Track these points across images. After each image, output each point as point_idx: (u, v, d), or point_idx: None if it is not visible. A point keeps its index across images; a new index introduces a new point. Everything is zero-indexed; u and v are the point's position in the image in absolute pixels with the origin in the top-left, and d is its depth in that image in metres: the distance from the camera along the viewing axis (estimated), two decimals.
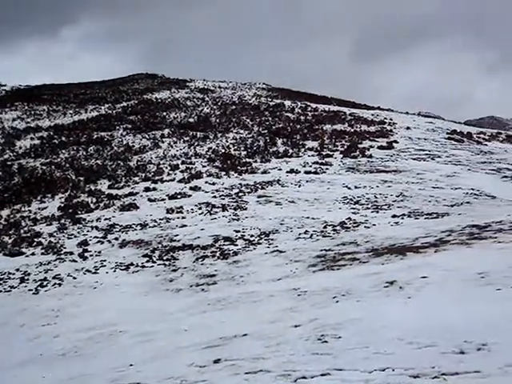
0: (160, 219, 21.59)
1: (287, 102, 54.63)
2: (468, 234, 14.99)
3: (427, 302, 8.24)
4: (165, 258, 16.93)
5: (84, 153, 35.91)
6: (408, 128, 49.27)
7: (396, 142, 41.89)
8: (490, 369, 4.66)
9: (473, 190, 27.01)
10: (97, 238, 19.40)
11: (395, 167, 32.69)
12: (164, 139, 39.33)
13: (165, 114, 47.28)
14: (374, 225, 18.50)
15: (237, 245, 17.43)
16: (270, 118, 47.26)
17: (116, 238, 19.17)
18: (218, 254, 16.63)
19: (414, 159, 36.36)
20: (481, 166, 35.73)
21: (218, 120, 45.91)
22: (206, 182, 28.00)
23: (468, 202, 22.91)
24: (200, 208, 22.97)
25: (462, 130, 53.72)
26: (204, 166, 32.27)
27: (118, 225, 21.01)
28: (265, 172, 30.69)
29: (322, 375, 5.37)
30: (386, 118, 52.62)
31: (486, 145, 47.90)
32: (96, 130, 41.38)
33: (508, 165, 36.92)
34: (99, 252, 17.79)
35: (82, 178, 29.35)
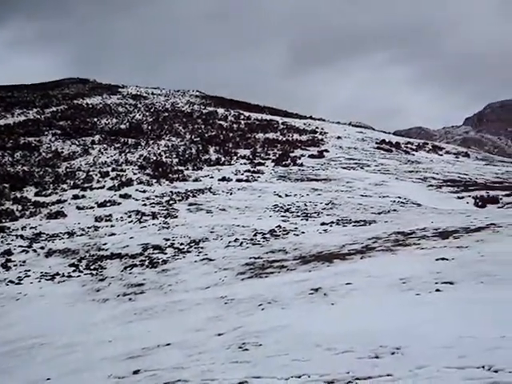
0: (88, 227, 21.13)
1: (220, 110, 54.74)
2: (393, 241, 15.41)
3: (350, 308, 8.39)
4: (92, 267, 16.55)
5: (10, 158, 34.70)
6: (339, 137, 50.30)
7: (327, 151, 42.68)
8: (401, 372, 4.79)
9: (400, 198, 27.81)
10: (21, 247, 18.74)
11: (325, 176, 33.26)
12: (94, 146, 38.58)
13: (96, 119, 46.40)
14: (303, 232, 18.73)
15: (166, 253, 17.25)
16: (203, 126, 47.22)
17: (42, 247, 18.59)
18: (146, 263, 16.40)
19: (344, 168, 37.14)
20: (408, 175, 36.84)
21: (150, 127, 45.45)
22: (137, 190, 27.63)
23: (395, 210, 23.58)
24: (130, 216, 22.63)
25: (391, 139, 55.30)
26: (135, 174, 31.85)
27: (44, 233, 20.40)
28: (196, 180, 30.59)
29: (240, 383, 5.38)
30: (317, 128, 53.52)
31: (413, 154, 49.47)
32: (23, 135, 40.06)
33: (433, 174, 38.21)
34: (24, 262, 17.19)
35: (6, 185, 28.32)
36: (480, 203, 28.12)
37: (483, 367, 4.59)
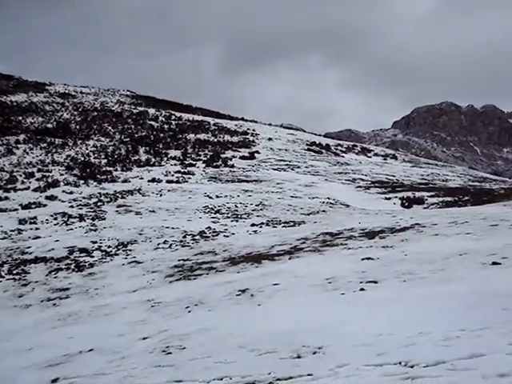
0: (11, 230, 20.36)
1: (151, 110, 54.07)
2: (321, 242, 15.63)
3: (275, 308, 8.43)
4: (15, 272, 15.92)
5: None
6: (270, 139, 50.69)
7: (258, 152, 42.92)
8: (321, 371, 4.83)
9: (329, 199, 28.28)
10: None
11: (256, 177, 33.44)
12: (19, 145, 37.23)
13: (21, 118, 44.76)
14: (233, 234, 18.74)
15: (93, 256, 16.85)
16: (133, 126, 46.50)
17: None
18: (72, 267, 15.95)
19: (275, 169, 37.45)
20: (337, 177, 37.53)
21: (78, 126, 44.33)
22: (64, 191, 26.88)
23: (324, 211, 23.95)
24: (56, 218, 21.98)
25: (322, 141, 56.23)
26: (62, 175, 30.97)
27: None
28: (125, 181, 30.08)
29: None
30: (249, 129, 53.74)
31: (342, 156, 50.47)
32: None
33: (362, 175, 39.09)
34: None
35: None
36: (406, 204, 28.98)
37: (400, 363, 4.68)
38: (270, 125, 65.37)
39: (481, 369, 4.17)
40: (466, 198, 29.98)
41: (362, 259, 11.89)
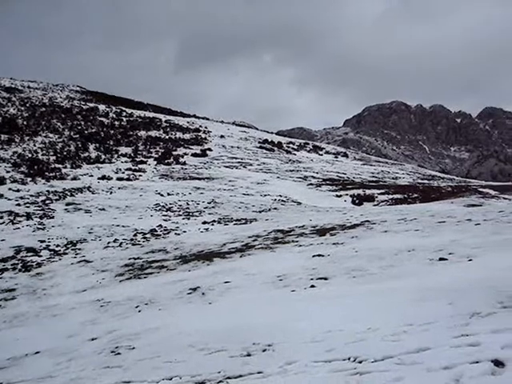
0: None
1: (102, 107, 53.20)
2: (273, 239, 15.68)
3: (226, 306, 8.39)
4: None
5: None
6: (222, 136, 50.59)
7: (210, 149, 42.80)
8: (271, 368, 4.82)
9: (280, 196, 28.45)
10: None
11: (208, 174, 33.36)
12: None
13: None
14: (185, 231, 18.62)
15: (41, 256, 16.43)
16: (83, 122, 45.64)
17: None
18: (19, 267, 15.49)
19: (227, 167, 37.44)
20: (289, 174, 37.80)
21: (25, 122, 43.19)
22: (10, 189, 26.12)
23: (275, 208, 24.05)
24: (1, 217, 21.33)
25: (274, 139, 56.48)
26: (8, 172, 30.11)
27: None
28: (75, 178, 29.51)
29: None
30: (201, 126, 53.53)
31: (294, 154, 50.82)
32: None
33: (313, 173, 39.47)
34: None
35: None
36: (357, 201, 29.41)
37: (349, 359, 4.72)
38: (222, 122, 65.31)
39: (427, 362, 4.24)
40: (415, 195, 30.62)
41: (313, 256, 11.98)
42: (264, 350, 5.41)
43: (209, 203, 24.44)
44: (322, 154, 53.35)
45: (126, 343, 6.75)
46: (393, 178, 40.72)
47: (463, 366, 4.03)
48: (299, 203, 26.96)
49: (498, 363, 4.02)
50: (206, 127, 53.40)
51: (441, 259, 9.74)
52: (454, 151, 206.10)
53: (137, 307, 9.62)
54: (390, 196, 30.47)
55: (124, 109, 54.24)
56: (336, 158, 52.44)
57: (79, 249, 17.02)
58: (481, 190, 32.61)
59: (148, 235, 18.23)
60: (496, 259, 8.65)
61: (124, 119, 49.54)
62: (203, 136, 48.60)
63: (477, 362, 4.08)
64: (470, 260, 9.24)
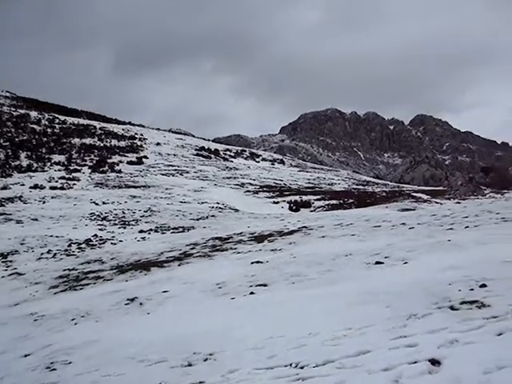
0: None
1: (33, 113, 51.66)
2: (211, 247, 15.60)
3: (165, 316, 8.27)
4: None
5: None
6: (158, 144, 50.08)
7: (146, 157, 42.28)
8: (213, 378, 4.76)
9: (218, 203, 28.36)
10: None
11: (144, 182, 32.90)
12: None
13: None
14: (121, 241, 18.27)
15: None
16: (13, 130, 44.18)
17: None
18: None
19: (163, 174, 37.05)
20: (226, 181, 37.76)
21: None
22: None
23: (213, 216, 23.96)
24: None
25: (211, 146, 56.39)
26: None
27: None
28: (5, 188, 28.49)
29: None
30: (136, 134, 52.82)
31: (231, 161, 50.86)
32: None
33: (250, 180, 39.60)
34: None
35: None
36: (294, 207, 29.68)
37: (291, 365, 4.72)
38: (158, 129, 64.69)
39: (367, 365, 4.30)
40: (351, 200, 31.19)
41: (252, 263, 11.98)
42: (205, 360, 5.34)
43: (145, 212, 24.11)
44: (258, 161, 53.65)
45: (62, 358, 6.53)
46: (329, 184, 41.36)
47: (402, 367, 4.10)
48: (237, 210, 26.97)
49: (434, 362, 4.12)
50: (141, 134, 52.74)
51: (377, 263, 9.92)
52: (388, 157, 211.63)
53: (73, 320, 9.34)
54: (327, 202, 30.92)
55: (57, 116, 52.85)
56: (273, 164, 52.84)
57: (10, 261, 16.41)
58: (414, 194, 33.57)
59: (83, 245, 17.78)
60: (430, 261, 8.88)
61: (57, 126, 48.30)
62: (139, 143, 48.00)
63: (415, 362, 4.16)
64: (406, 263, 9.46)
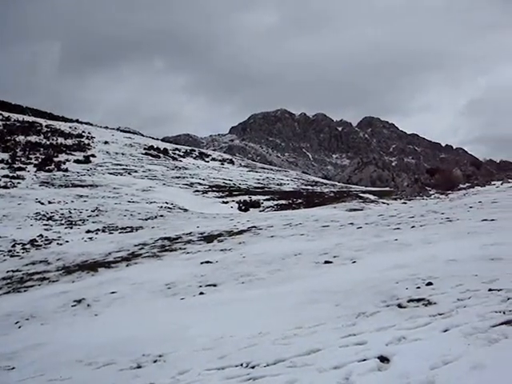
0: None
1: None
2: (160, 247, 15.45)
3: (113, 317, 8.13)
4: None
5: None
6: (106, 142, 49.29)
7: (94, 156, 41.54)
8: (163, 380, 4.70)
9: (167, 203, 28.11)
10: None
11: (92, 182, 32.31)
12: None
13: None
14: (68, 241, 17.89)
15: None
16: None
17: None
18: None
19: (111, 174, 36.47)
20: (175, 181, 37.46)
21: None
22: None
23: (162, 216, 23.74)
24: None
25: (159, 146, 55.84)
26: None
27: None
28: None
29: None
30: (84, 132, 51.83)
31: (180, 161, 50.49)
32: None
33: (200, 180, 39.41)
34: None
35: None
36: (243, 207, 29.70)
37: (241, 365, 4.71)
38: (106, 128, 63.63)
39: (318, 363, 4.32)
40: (300, 200, 31.44)
41: (201, 263, 11.94)
42: (155, 361, 5.28)
43: (92, 211, 23.67)
44: (208, 161, 53.48)
45: (5, 363, 6.32)
46: (278, 185, 41.60)
47: (352, 365, 4.14)
48: (186, 210, 26.82)
49: (383, 359, 4.18)
50: (89, 133, 51.77)
51: (326, 262, 10.03)
52: (336, 158, 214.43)
53: (17, 323, 9.06)
54: (276, 202, 31.08)
55: (0, 112, 51.38)
56: (222, 164, 52.78)
57: None
58: (361, 195, 34.11)
59: (28, 246, 17.31)
60: (378, 261, 9.04)
61: (0, 123, 46.92)
62: (86, 142, 47.11)
63: (364, 360, 4.21)
64: (354, 262, 9.60)
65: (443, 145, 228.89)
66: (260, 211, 28.51)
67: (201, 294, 8.84)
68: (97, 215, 22.90)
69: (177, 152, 54.54)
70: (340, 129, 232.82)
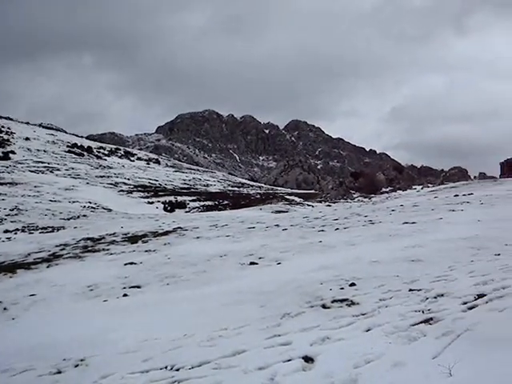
0: None
1: None
2: (82, 248, 15.05)
3: (33, 321, 7.82)
4: None
5: None
6: (27, 139, 47.58)
7: (13, 152, 40.02)
8: None
9: (90, 203, 27.47)
10: None
11: (11, 179, 31.10)
12: None
13: None
14: None
15: None
16: None
17: None
18: None
19: (32, 171, 35.26)
20: (99, 180, 36.66)
21: None
22: None
23: (85, 215, 23.15)
24: None
25: (84, 144, 54.45)
26: None
27: None
28: None
29: None
30: (3, 127, 49.85)
31: (105, 159, 49.46)
32: None
33: (125, 179, 38.75)
34: None
35: None
36: (169, 208, 29.45)
37: (166, 367, 4.64)
38: (27, 123, 61.44)
39: (243, 365, 4.33)
40: (226, 202, 31.50)
41: (125, 264, 11.73)
42: (76, 366, 5.11)
43: (11, 210, 22.78)
44: (133, 161, 52.71)
45: None
46: (204, 185, 41.53)
47: (277, 365, 4.17)
48: (110, 210, 26.31)
49: (308, 359, 4.25)
50: (9, 128, 49.87)
51: (252, 263, 10.08)
52: (263, 160, 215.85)
53: None
54: (202, 203, 31.02)
55: None
56: (148, 164, 52.15)
57: None
58: (287, 197, 34.57)
59: None
60: (302, 262, 9.18)
61: None
62: (6, 137, 45.36)
63: (289, 360, 4.26)
64: (279, 263, 9.69)
65: (367, 149, 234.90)
66: (186, 212, 28.35)
67: (124, 295, 8.67)
68: (16, 214, 22.05)
69: (102, 150, 53.42)
70: (267, 131, 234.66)
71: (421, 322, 4.70)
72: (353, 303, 5.67)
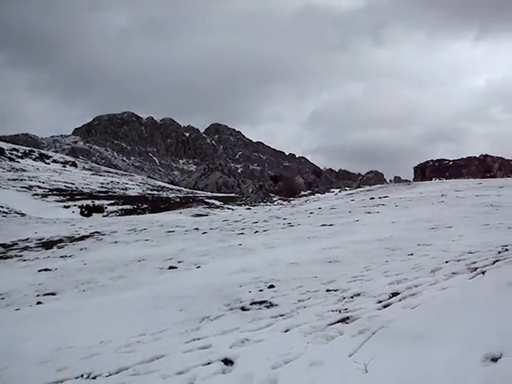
0: None
1: None
2: None
3: None
4: None
5: None
6: None
7: None
8: None
9: (2, 207, 26.36)
10: None
11: None
12: None
13: None
14: None
15: None
16: None
17: None
18: None
19: None
20: (12, 184, 35.24)
21: None
22: None
23: None
24: None
25: None
26: None
27: None
28: None
29: None
30: None
31: (18, 162, 47.64)
32: None
33: (39, 182, 37.44)
34: None
35: None
36: (86, 212, 28.72)
37: (82, 376, 4.51)
38: None
39: (162, 370, 4.28)
40: (145, 205, 31.10)
41: (39, 271, 11.35)
42: None
43: None
44: (49, 163, 51.08)
45: None
46: (123, 189, 40.83)
47: (196, 369, 4.16)
48: (23, 215, 25.35)
49: (227, 362, 4.25)
50: None
51: (171, 268, 10.01)
52: (183, 163, 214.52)
53: None
54: (120, 207, 30.50)
55: None
56: (64, 167, 50.69)
57: None
58: (207, 200, 34.54)
59: None
60: (222, 265, 9.20)
61: None
62: None
63: (209, 363, 4.25)
64: (199, 267, 9.67)
65: (287, 153, 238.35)
66: (103, 216, 27.76)
67: (38, 303, 8.36)
68: None
69: (14, 152, 51.42)
70: (187, 134, 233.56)
71: (338, 322, 4.81)
72: (272, 305, 5.74)
